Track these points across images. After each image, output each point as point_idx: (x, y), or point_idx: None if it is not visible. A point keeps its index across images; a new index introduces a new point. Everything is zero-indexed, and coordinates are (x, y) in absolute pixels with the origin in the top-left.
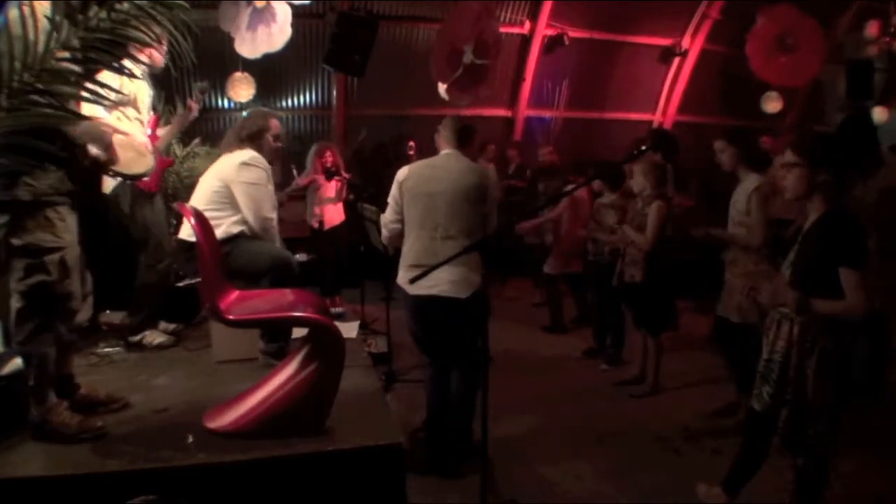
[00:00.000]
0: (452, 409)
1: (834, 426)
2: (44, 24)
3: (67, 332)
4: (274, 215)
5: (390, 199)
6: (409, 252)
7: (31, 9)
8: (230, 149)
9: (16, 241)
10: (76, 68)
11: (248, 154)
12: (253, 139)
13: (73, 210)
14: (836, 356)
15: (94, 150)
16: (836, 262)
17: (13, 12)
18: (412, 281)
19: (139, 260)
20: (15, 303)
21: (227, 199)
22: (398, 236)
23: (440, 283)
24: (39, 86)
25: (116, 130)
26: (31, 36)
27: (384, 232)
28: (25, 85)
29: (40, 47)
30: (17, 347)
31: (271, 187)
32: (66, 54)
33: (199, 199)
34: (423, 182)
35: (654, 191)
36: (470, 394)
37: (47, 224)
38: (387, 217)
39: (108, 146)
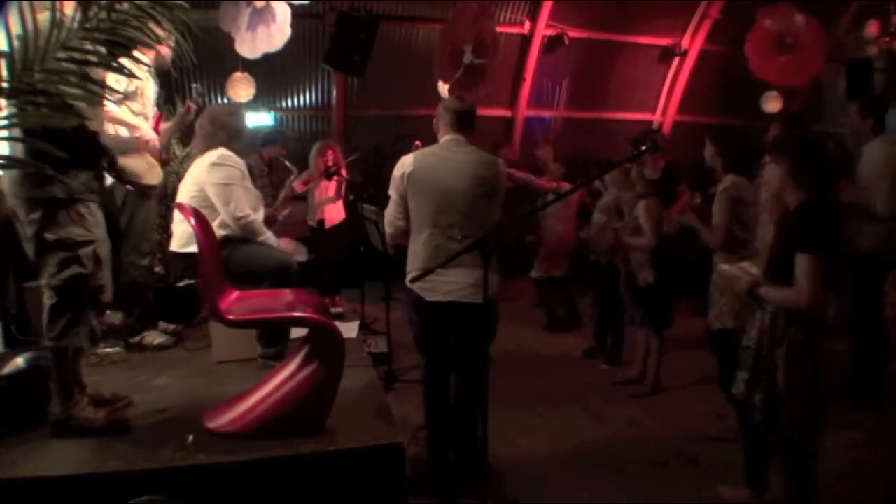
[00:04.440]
0: (456, 419)
1: (811, 418)
2: (44, 23)
3: (99, 325)
4: (251, 212)
5: (393, 193)
6: (421, 253)
7: (31, 9)
8: (201, 148)
9: (49, 237)
10: (76, 68)
11: (217, 153)
12: (231, 139)
13: (101, 207)
14: (806, 347)
15: (121, 160)
16: (795, 249)
17: (13, 12)
18: (413, 281)
19: (121, 254)
20: (48, 299)
21: (206, 203)
22: (403, 234)
23: (461, 287)
24: (40, 86)
25: (124, 123)
26: (30, 36)
27: (388, 229)
28: (25, 85)
29: (40, 47)
30: (51, 343)
31: (248, 184)
32: (66, 54)
33: None
34: (433, 174)
35: (633, 192)
36: (477, 398)
37: (79, 219)
38: (390, 213)
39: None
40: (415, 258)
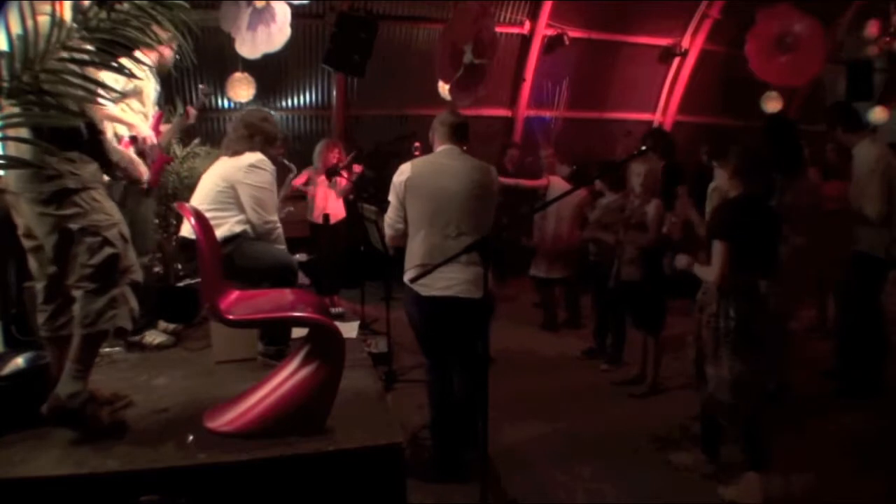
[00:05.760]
0: (458, 410)
1: (745, 393)
2: (44, 23)
3: (138, 303)
4: (277, 219)
5: (392, 198)
6: (418, 252)
7: (31, 9)
8: (235, 150)
9: (74, 226)
10: (76, 68)
11: (256, 157)
12: (267, 144)
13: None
14: (718, 318)
15: (122, 165)
16: (712, 236)
17: (13, 12)
18: (414, 280)
19: None
20: (78, 290)
21: (232, 200)
22: (402, 236)
23: (457, 283)
24: (47, 86)
25: (120, 121)
26: (31, 35)
27: (388, 231)
28: (25, 85)
29: (40, 47)
30: (84, 331)
31: (275, 189)
32: (66, 54)
33: (202, 198)
34: (429, 179)
35: (651, 189)
36: (477, 394)
37: (97, 205)
38: (390, 217)
39: (131, 164)
40: (412, 256)
